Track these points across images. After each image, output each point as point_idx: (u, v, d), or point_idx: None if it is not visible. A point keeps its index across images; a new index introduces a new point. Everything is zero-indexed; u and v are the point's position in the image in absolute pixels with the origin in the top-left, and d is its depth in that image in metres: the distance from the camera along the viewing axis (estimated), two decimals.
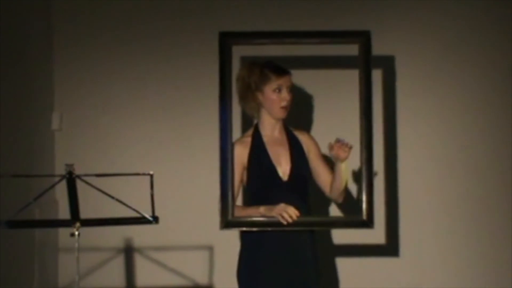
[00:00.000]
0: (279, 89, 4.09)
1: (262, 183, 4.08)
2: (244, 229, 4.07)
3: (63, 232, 4.79)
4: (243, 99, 4.18)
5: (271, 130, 4.18)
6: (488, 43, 5.18)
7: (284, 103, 4.10)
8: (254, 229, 4.04)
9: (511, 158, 5.17)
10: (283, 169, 4.11)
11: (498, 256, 5.15)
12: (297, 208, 4.00)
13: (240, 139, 4.21)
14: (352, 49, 4.23)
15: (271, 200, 4.03)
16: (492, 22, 5.18)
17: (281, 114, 4.13)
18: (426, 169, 5.16)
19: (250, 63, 4.18)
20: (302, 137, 4.23)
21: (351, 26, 4.85)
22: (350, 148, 4.01)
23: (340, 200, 4.19)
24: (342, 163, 4.03)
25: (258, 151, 4.12)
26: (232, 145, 4.11)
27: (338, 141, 4.00)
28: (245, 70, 4.16)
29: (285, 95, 4.10)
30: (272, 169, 4.09)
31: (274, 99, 4.10)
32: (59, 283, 5.17)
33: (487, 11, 5.18)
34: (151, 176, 3.78)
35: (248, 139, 4.17)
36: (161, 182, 4.22)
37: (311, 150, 4.19)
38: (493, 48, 5.18)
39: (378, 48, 4.47)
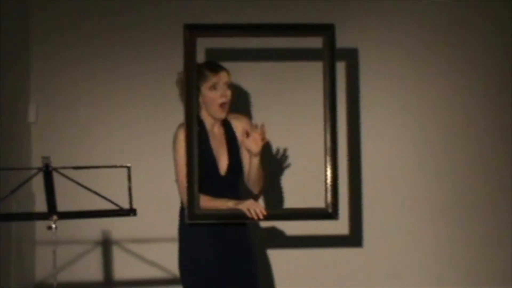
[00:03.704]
0: (215, 87, 4.09)
1: (202, 175, 4.08)
2: (212, 221, 4.07)
3: (40, 225, 4.78)
4: (184, 101, 4.15)
5: (211, 126, 4.19)
6: (451, 36, 5.23)
7: (222, 100, 4.10)
8: (220, 221, 4.06)
9: (474, 148, 5.22)
10: (222, 164, 4.14)
11: (461, 245, 5.21)
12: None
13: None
14: (316, 42, 4.24)
15: (208, 193, 4.07)
16: (455, 14, 5.23)
17: (220, 113, 4.13)
18: (389, 160, 5.21)
19: None
20: (238, 123, 4.22)
21: (315, 19, 4.89)
22: (263, 140, 4.03)
23: (256, 191, 4.21)
24: (255, 158, 4.06)
25: (203, 143, 4.13)
26: (180, 126, 4.11)
27: (255, 130, 4.02)
28: (183, 72, 4.14)
29: (223, 91, 4.09)
30: (213, 163, 4.13)
31: (212, 97, 4.10)
32: (36, 277, 5.15)
33: (450, 4, 5.21)
34: (129, 168, 3.77)
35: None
36: (139, 174, 4.22)
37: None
38: (456, 41, 5.23)
39: (342, 41, 4.50)
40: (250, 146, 4.06)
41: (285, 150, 5.01)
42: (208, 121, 4.17)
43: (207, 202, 4.07)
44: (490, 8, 5.22)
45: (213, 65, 4.15)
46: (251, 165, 4.11)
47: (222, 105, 4.11)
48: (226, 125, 4.21)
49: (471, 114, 5.23)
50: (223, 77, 4.10)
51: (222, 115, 4.14)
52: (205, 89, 4.10)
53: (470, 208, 5.21)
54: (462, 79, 5.23)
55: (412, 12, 5.22)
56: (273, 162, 5.05)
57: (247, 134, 4.06)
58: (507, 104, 5.23)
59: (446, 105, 5.23)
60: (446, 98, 5.23)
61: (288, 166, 5.06)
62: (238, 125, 4.21)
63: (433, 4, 5.21)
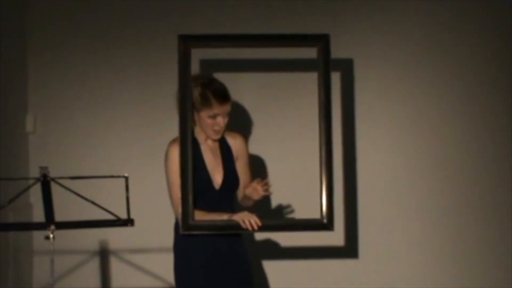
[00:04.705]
0: (215, 116, 4.07)
1: (196, 189, 4.07)
2: (206, 232, 4.07)
3: (38, 235, 4.79)
4: (179, 109, 4.14)
5: (205, 138, 4.18)
6: (446, 46, 5.24)
7: (216, 128, 4.10)
8: (214, 232, 4.05)
9: (472, 160, 5.23)
10: (216, 177, 4.14)
11: (458, 256, 5.21)
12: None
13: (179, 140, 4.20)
14: (310, 52, 4.25)
15: (202, 207, 4.07)
16: (449, 25, 5.24)
17: (214, 136, 4.13)
18: (385, 170, 5.21)
19: (193, 78, 4.12)
20: (233, 141, 4.23)
21: (309, 29, 4.88)
22: (266, 192, 4.05)
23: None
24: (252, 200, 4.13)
25: (195, 157, 4.11)
26: (172, 143, 4.11)
27: (258, 182, 4.04)
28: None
29: (219, 121, 4.08)
30: (207, 177, 4.12)
31: (208, 123, 4.09)
32: (33, 286, 5.15)
33: (445, 15, 5.23)
34: (126, 178, 3.78)
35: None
36: (137, 184, 4.23)
37: (239, 157, 4.21)
38: (452, 51, 5.24)
39: (337, 51, 4.51)
40: (251, 194, 4.08)
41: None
42: (201, 135, 4.17)
43: (201, 217, 4.06)
44: (485, 16, 5.24)
45: (219, 92, 4.08)
46: (248, 199, 4.15)
47: (215, 131, 4.12)
48: (220, 139, 4.20)
49: (469, 125, 5.24)
50: (226, 108, 4.08)
51: (216, 137, 4.15)
52: (204, 115, 4.08)
53: (467, 218, 5.22)
54: (457, 88, 5.24)
55: (406, 23, 5.23)
56: (262, 171, 5.07)
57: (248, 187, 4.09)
58: (503, 117, 5.25)
59: (443, 115, 5.24)
60: (442, 107, 5.24)
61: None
62: (233, 143, 4.22)
63: (427, 15, 5.23)
